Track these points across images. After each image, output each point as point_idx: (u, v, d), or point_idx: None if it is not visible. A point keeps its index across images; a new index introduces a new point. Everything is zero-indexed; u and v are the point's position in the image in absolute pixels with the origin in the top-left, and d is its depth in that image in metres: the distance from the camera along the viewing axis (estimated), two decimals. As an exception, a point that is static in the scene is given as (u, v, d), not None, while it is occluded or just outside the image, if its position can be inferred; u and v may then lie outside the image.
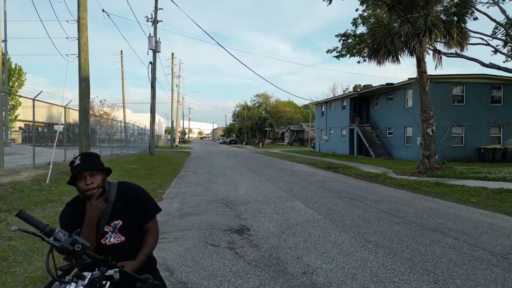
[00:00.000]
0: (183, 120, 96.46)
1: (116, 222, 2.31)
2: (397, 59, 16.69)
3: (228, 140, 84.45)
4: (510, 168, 17.38)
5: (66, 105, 15.88)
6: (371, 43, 15.94)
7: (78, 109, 13.28)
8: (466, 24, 15.94)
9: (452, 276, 4.43)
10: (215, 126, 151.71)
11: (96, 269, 1.75)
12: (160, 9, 27.30)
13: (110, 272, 1.79)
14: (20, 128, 44.96)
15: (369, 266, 4.74)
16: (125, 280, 1.91)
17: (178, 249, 5.42)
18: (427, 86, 16.13)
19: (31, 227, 1.72)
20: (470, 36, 16.93)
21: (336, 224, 7.06)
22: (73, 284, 1.61)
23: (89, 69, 12.62)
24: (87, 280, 1.67)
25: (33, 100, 13.00)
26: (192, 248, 5.54)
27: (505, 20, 20.91)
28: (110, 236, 2.30)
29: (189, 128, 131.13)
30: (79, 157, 2.25)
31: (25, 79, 42.98)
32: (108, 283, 1.75)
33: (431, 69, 45.86)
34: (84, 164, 2.20)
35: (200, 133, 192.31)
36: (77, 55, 12.69)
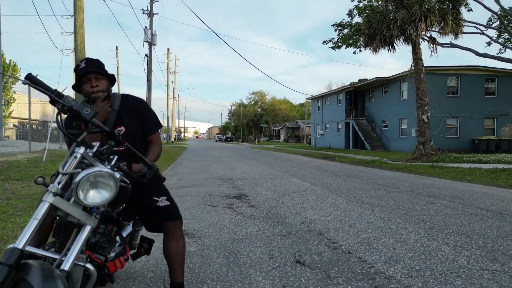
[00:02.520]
0: (178, 119, 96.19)
1: (119, 128, 2.34)
2: (393, 46, 16.82)
3: (224, 137, 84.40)
4: (504, 155, 17.57)
5: (62, 91, 15.77)
6: (367, 29, 16.03)
7: (74, 96, 13.24)
8: (461, 11, 16.07)
9: (448, 224, 4.50)
10: (211, 125, 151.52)
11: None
12: (156, 1, 27.25)
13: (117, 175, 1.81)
14: (14, 125, 44.67)
15: (366, 218, 4.81)
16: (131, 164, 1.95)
17: (177, 208, 5.45)
18: (422, 73, 16.25)
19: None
20: (465, 25, 17.05)
21: (333, 192, 7.13)
22: (82, 148, 1.65)
23: (85, 52, 12.58)
24: (95, 148, 1.71)
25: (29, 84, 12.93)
26: (191, 207, 5.58)
27: (500, 11, 21.07)
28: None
29: (184, 126, 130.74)
30: (84, 60, 2.28)
31: (20, 75, 42.72)
32: (116, 157, 1.78)
33: (426, 58, 46.13)
34: (90, 66, 2.24)
35: (195, 132, 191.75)
36: (73, 47, 12.67)
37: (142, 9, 26.24)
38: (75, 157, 1.62)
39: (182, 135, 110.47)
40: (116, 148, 2.28)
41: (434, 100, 21.85)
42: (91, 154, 1.68)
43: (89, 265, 1.71)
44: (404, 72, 24.22)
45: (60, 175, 1.59)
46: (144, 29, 26.62)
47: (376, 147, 29.04)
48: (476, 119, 25.67)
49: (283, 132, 73.76)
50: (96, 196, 1.61)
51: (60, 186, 1.55)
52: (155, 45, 28.20)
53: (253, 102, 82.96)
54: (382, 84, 29.70)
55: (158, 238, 2.69)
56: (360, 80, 33.07)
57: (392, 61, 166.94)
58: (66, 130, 1.72)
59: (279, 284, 2.69)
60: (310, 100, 45.08)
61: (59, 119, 1.67)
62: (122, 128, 2.34)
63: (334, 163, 16.46)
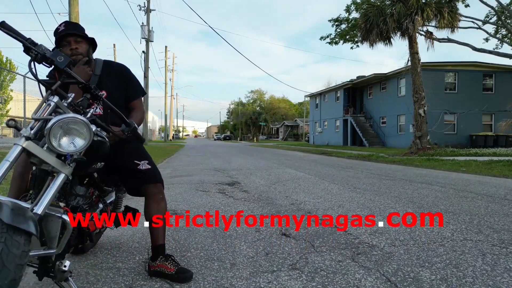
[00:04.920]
0: (177, 118, 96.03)
1: (101, 93, 2.34)
2: (389, 41, 16.83)
3: (223, 136, 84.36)
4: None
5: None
6: (364, 23, 16.03)
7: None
8: (457, 6, 16.09)
9: (437, 204, 4.52)
10: (209, 124, 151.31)
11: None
12: (153, -2, 27.19)
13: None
14: (12, 124, 44.46)
15: (356, 200, 4.82)
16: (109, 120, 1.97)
17: (168, 193, 5.45)
18: (418, 67, 16.26)
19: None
20: (461, 19, 17.05)
21: (326, 180, 7.14)
22: (56, 97, 1.65)
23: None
24: (70, 99, 1.71)
25: (24, 77, 12.95)
26: (183, 192, 5.59)
27: (497, 7, 21.04)
28: (96, 107, 2.33)
29: (183, 126, 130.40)
30: (64, 23, 2.28)
31: (17, 72, 42.50)
32: (92, 110, 1.79)
33: (424, 55, 45.99)
34: (69, 29, 2.23)
35: (194, 131, 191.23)
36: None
37: (139, 5, 26.21)
38: (49, 104, 1.62)
39: (181, 134, 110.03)
40: (97, 113, 2.29)
41: (432, 96, 21.87)
42: (65, 104, 1.69)
43: (65, 217, 1.71)
44: (401, 68, 24.24)
45: (33, 121, 1.59)
46: (141, 26, 26.59)
47: (374, 144, 29.06)
48: (473, 115, 25.69)
49: (282, 131, 73.72)
50: (69, 144, 1.61)
51: (32, 131, 1.56)
52: (152, 41, 28.16)
53: (251, 101, 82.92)
54: (380, 80, 29.72)
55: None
56: (358, 77, 33.03)
57: (390, 61, 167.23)
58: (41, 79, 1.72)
59: (263, 252, 2.70)
60: (309, 98, 45.09)
61: (32, 66, 1.67)
62: (104, 93, 2.34)
63: (330, 157, 16.47)
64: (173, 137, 67.19)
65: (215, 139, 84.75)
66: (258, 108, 79.73)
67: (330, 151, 22.60)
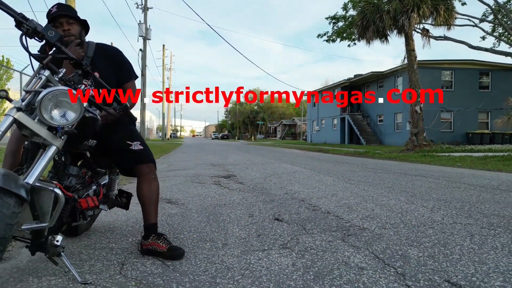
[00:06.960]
0: (174, 117, 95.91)
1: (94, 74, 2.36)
2: (386, 38, 16.87)
3: (220, 135, 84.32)
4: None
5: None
6: (360, 20, 16.09)
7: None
8: (453, 3, 16.16)
9: (430, 193, 4.57)
10: (207, 123, 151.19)
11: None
12: (150, -4, 27.19)
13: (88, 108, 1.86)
14: (10, 123, 44.32)
15: (350, 190, 4.86)
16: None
17: (164, 184, 5.48)
18: (415, 64, 16.32)
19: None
20: (457, 17, 17.12)
21: (321, 173, 7.18)
22: (48, 71, 1.68)
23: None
24: (61, 74, 1.74)
25: (21, 73, 12.93)
26: (178, 184, 5.62)
27: (494, 5, 21.11)
28: (89, 86, 2.36)
29: (180, 125, 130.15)
30: (56, 5, 2.30)
31: (14, 71, 42.37)
32: (83, 86, 1.82)
33: (421, 53, 46.18)
34: (61, 10, 2.25)
35: (192, 131, 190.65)
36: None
37: (137, 3, 26.17)
38: (40, 78, 1.65)
39: (179, 133, 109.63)
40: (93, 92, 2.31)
41: (429, 94, 21.96)
42: (56, 79, 1.71)
43: (57, 190, 1.73)
44: (398, 66, 24.32)
45: (24, 93, 1.62)
46: (138, 24, 26.55)
47: (372, 142, 29.13)
48: (470, 113, 25.79)
49: (280, 130, 73.72)
50: (60, 116, 1.64)
51: (24, 102, 1.58)
52: (150, 39, 28.12)
53: (249, 99, 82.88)
54: (377, 78, 29.79)
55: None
56: (355, 75, 33.08)
57: (388, 60, 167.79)
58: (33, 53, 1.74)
59: (255, 233, 2.73)
60: (307, 97, 45.12)
61: (23, 40, 1.69)
62: (96, 74, 2.37)
63: (327, 154, 16.52)
64: (171, 136, 67.16)
65: (212, 138, 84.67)
66: (256, 107, 79.72)
67: (327, 148, 22.65)
